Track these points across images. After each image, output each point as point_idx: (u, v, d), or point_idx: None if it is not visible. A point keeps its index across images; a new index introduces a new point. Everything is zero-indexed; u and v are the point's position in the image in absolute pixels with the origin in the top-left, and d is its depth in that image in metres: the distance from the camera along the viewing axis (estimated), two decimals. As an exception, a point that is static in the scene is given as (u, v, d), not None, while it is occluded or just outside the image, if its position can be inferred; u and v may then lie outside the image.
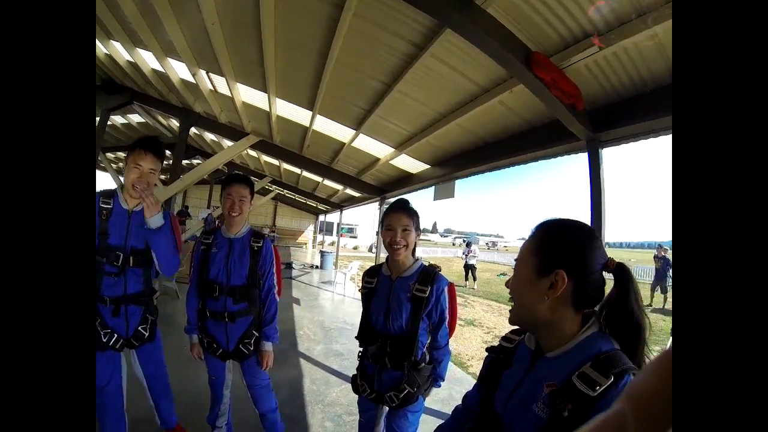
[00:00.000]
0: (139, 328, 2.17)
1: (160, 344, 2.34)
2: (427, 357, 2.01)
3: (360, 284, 2.24)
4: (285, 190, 16.53)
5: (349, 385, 2.19)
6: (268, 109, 6.05)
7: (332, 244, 25.01)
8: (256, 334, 2.36)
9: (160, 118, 9.46)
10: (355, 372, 2.17)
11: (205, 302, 2.32)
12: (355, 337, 2.15)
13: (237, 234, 2.36)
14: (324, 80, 4.44)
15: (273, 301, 2.41)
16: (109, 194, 2.08)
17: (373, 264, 2.37)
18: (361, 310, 2.16)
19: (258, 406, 2.45)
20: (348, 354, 5.34)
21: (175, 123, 9.35)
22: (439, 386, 2.14)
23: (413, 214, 1.98)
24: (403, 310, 1.93)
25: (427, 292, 1.92)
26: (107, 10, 4.76)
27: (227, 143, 9.42)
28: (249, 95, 6.00)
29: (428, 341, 2.01)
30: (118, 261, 2.03)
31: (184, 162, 11.96)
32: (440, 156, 5.72)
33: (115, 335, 2.06)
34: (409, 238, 1.96)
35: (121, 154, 14.39)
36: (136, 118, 10.18)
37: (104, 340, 2.02)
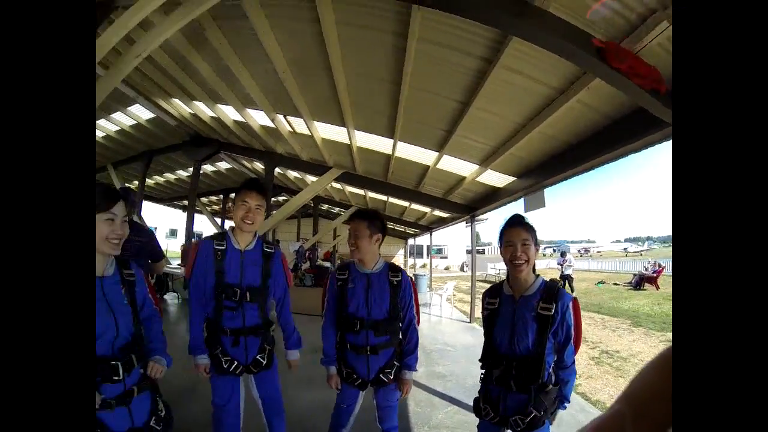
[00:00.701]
0: (258, 357, 2.37)
1: (276, 369, 2.53)
2: (553, 378, 2.02)
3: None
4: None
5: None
6: (348, 142, 6.50)
7: (423, 266, 25.12)
8: (397, 365, 2.49)
9: (245, 162, 10.54)
10: (477, 395, 2.23)
11: (345, 335, 2.47)
12: (479, 360, 2.21)
13: (374, 269, 2.49)
14: (400, 107, 4.67)
15: (414, 332, 2.52)
16: (221, 236, 2.34)
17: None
18: (483, 331, 2.23)
19: (383, 423, 2.58)
20: (450, 376, 5.38)
21: (259, 165, 10.35)
22: (565, 408, 2.12)
23: (530, 229, 2.03)
24: (529, 330, 1.97)
25: (552, 310, 1.94)
26: (187, 77, 5.56)
27: (310, 178, 10.15)
28: (328, 131, 6.49)
29: (554, 361, 2.02)
30: (236, 297, 2.27)
31: (272, 200, 13.09)
32: (526, 166, 5.70)
33: (235, 362, 2.30)
34: (529, 252, 2.01)
35: (214, 198, 16.25)
36: (223, 165, 11.47)
37: (224, 366, 2.27)
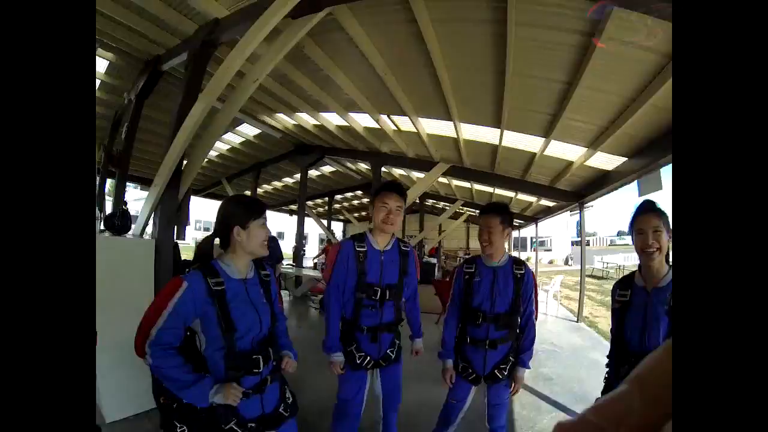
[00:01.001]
0: (388, 351, 2.51)
1: (401, 364, 2.65)
2: None
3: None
4: (477, 211, 16.90)
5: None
6: (455, 135, 6.58)
7: (527, 259, 24.15)
8: (512, 360, 2.56)
9: (349, 164, 11.10)
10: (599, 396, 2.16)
11: (466, 328, 2.58)
12: (606, 356, 2.21)
13: (500, 262, 2.56)
14: (506, 95, 4.63)
15: (532, 327, 2.59)
16: (361, 238, 2.47)
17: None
18: (611, 326, 2.20)
19: (492, 422, 2.63)
20: (557, 379, 5.22)
21: (363, 166, 10.86)
22: None
23: (662, 215, 1.97)
24: (661, 325, 1.91)
25: None
26: (289, 92, 6.04)
27: (416, 175, 10.40)
28: (433, 126, 6.62)
29: None
30: (376, 296, 2.41)
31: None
32: (638, 144, 5.32)
33: (368, 358, 2.44)
34: (661, 240, 1.95)
35: (319, 200, 17.30)
36: (327, 169, 12.18)
37: (357, 362, 2.42)
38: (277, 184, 14.36)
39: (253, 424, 1.69)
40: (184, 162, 3.90)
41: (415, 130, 6.67)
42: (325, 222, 16.42)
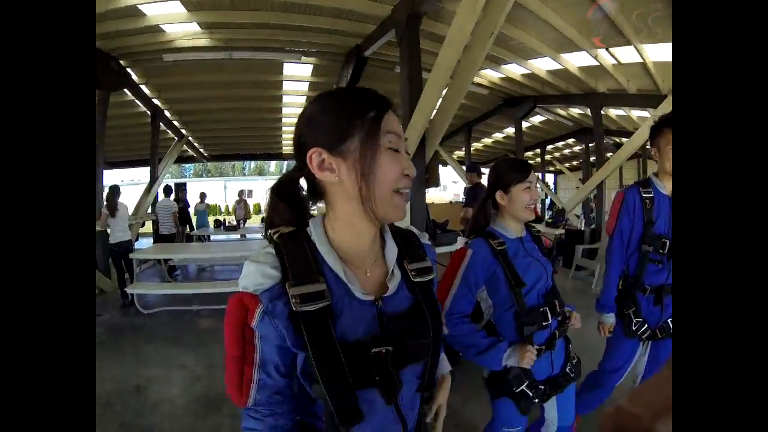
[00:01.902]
0: (668, 321, 2.11)
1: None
2: None
3: None
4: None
5: None
6: None
7: None
8: None
9: (560, 111, 10.38)
10: None
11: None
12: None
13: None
14: None
15: None
16: (646, 183, 2.12)
17: None
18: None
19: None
20: None
21: (575, 111, 10.09)
22: None
23: None
24: None
25: None
26: (495, 45, 5.85)
27: (636, 114, 9.23)
28: (660, 52, 5.70)
29: None
30: (664, 249, 2.04)
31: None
32: None
33: (645, 326, 2.09)
34: None
35: (529, 153, 16.64)
36: (537, 119, 11.60)
37: (633, 329, 2.10)
38: (487, 141, 14.35)
39: (543, 386, 1.63)
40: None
41: (640, 60, 5.84)
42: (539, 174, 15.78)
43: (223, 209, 26.44)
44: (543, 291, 1.67)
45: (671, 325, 2.09)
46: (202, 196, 11.08)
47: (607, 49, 5.82)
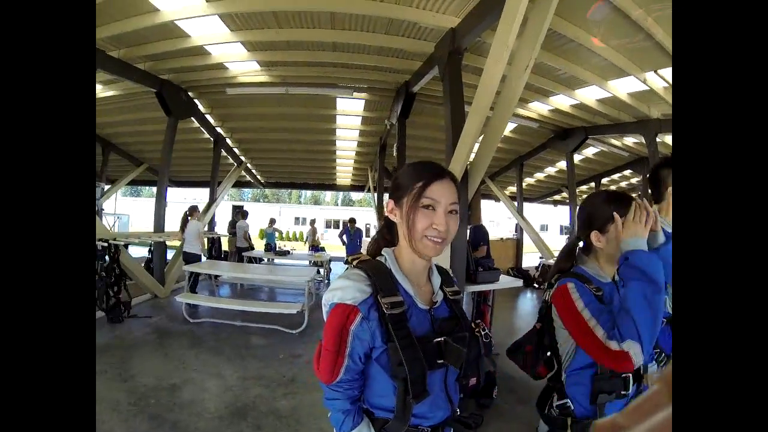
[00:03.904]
0: None
1: None
2: None
3: None
4: None
5: None
6: None
7: None
8: None
9: (614, 141, 10.00)
10: None
11: None
12: None
13: None
14: None
15: None
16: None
17: None
18: None
19: None
20: None
21: (629, 141, 9.72)
22: None
23: None
24: None
25: None
26: (540, 77, 5.90)
27: None
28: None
29: None
30: None
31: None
32: None
33: None
34: None
35: (584, 187, 16.05)
36: (590, 151, 11.22)
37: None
38: (540, 175, 14.04)
39: None
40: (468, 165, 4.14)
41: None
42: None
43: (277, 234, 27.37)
44: None
45: None
46: (272, 221, 11.83)
47: (655, 72, 5.62)
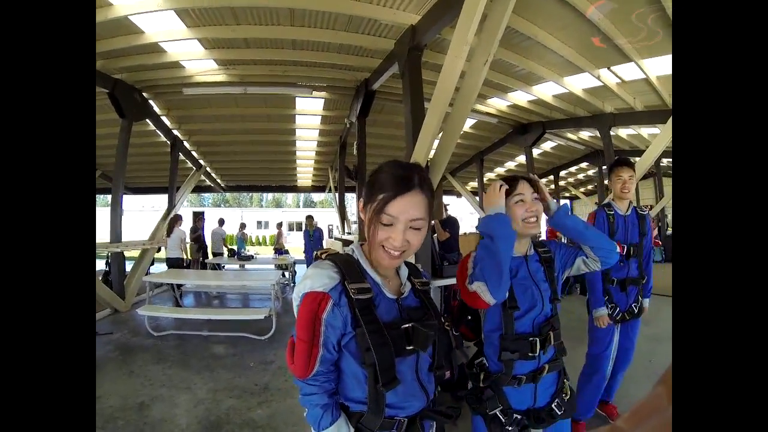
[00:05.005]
0: (632, 305, 2.72)
1: (641, 320, 2.84)
2: None
3: None
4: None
5: None
6: None
7: None
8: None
9: (570, 135, 10.35)
10: None
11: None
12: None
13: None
14: None
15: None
16: (608, 206, 2.78)
17: None
18: None
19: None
20: None
21: (585, 135, 10.03)
22: None
23: None
24: None
25: None
26: (499, 73, 5.96)
27: (646, 131, 9.17)
28: (663, 66, 5.69)
29: None
30: (623, 251, 2.66)
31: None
32: None
33: (618, 308, 2.68)
34: None
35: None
36: (547, 145, 11.56)
37: (609, 312, 2.66)
38: (500, 170, 14.33)
39: (520, 416, 1.53)
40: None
41: (643, 76, 5.84)
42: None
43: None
44: (540, 320, 1.56)
45: (635, 309, 2.73)
46: (242, 225, 11.97)
47: (608, 68, 5.83)
